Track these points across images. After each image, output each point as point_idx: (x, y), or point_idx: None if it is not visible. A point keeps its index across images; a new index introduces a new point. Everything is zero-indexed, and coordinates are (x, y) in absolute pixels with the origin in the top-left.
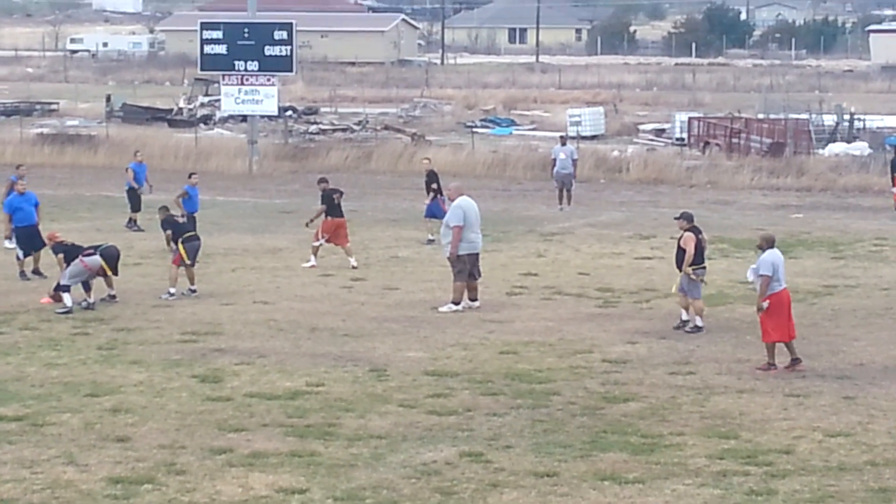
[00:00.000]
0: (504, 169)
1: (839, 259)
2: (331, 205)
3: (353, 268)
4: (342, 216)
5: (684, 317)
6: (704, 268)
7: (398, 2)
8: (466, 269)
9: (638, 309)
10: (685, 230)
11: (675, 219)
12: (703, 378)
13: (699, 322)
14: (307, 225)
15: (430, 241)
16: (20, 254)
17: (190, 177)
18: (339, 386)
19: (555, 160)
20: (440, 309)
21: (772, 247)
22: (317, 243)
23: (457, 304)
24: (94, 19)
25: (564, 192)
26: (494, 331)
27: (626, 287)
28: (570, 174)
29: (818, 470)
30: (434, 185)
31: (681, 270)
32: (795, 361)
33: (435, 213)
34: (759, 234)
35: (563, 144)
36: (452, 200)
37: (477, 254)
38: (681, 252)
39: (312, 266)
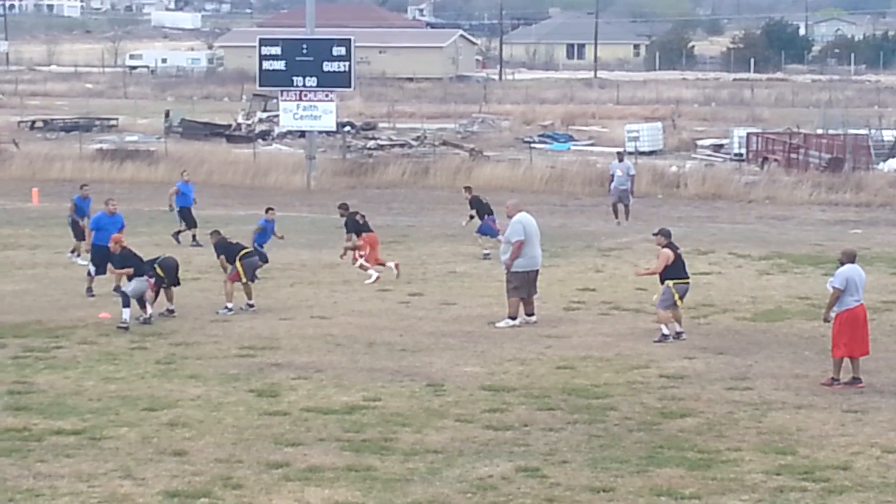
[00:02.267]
0: (562, 184)
1: None
2: (358, 226)
3: (397, 275)
4: (373, 231)
5: (678, 328)
6: (687, 283)
7: (456, 17)
8: (524, 285)
9: (696, 324)
10: (663, 246)
11: (654, 234)
12: (760, 393)
13: (665, 330)
14: (341, 257)
15: (486, 256)
16: (92, 270)
17: (267, 211)
18: (395, 401)
19: (612, 176)
20: (497, 324)
21: (852, 261)
22: (360, 261)
23: (513, 318)
24: (153, 35)
25: (621, 208)
26: (552, 346)
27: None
28: (626, 190)
29: (876, 486)
30: (472, 212)
31: (662, 283)
32: (856, 380)
33: (486, 231)
34: (842, 249)
35: (621, 160)
36: (511, 217)
37: (537, 270)
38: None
39: (377, 279)
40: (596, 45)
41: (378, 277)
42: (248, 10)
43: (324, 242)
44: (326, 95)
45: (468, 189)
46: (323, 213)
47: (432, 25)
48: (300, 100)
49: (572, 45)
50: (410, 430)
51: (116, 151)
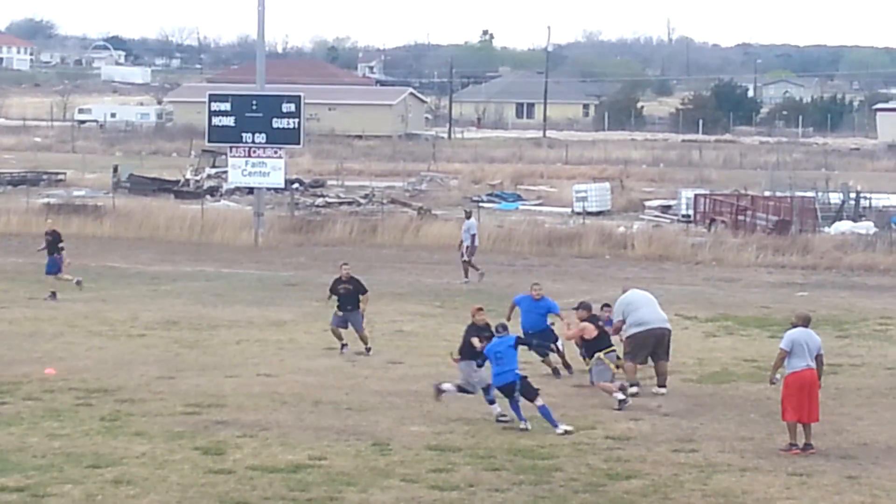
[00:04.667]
0: (509, 244)
1: (844, 338)
2: None
3: None
4: None
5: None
6: (614, 349)
7: (406, 75)
8: (636, 350)
9: (642, 385)
10: (584, 319)
11: (574, 309)
12: (705, 456)
13: (620, 395)
14: None
15: (54, 295)
16: None
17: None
18: (341, 460)
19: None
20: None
21: (804, 325)
22: None
23: (630, 385)
24: (103, 90)
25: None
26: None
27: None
28: (468, 247)
29: None
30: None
31: (591, 357)
32: (807, 447)
33: (52, 269)
34: (796, 312)
35: (468, 218)
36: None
37: (650, 331)
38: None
39: None
40: (545, 104)
41: None
42: (199, 66)
43: (271, 300)
44: (275, 152)
45: (51, 220)
46: (271, 270)
47: (382, 83)
48: (249, 156)
49: (522, 105)
50: (356, 490)
51: (63, 206)
